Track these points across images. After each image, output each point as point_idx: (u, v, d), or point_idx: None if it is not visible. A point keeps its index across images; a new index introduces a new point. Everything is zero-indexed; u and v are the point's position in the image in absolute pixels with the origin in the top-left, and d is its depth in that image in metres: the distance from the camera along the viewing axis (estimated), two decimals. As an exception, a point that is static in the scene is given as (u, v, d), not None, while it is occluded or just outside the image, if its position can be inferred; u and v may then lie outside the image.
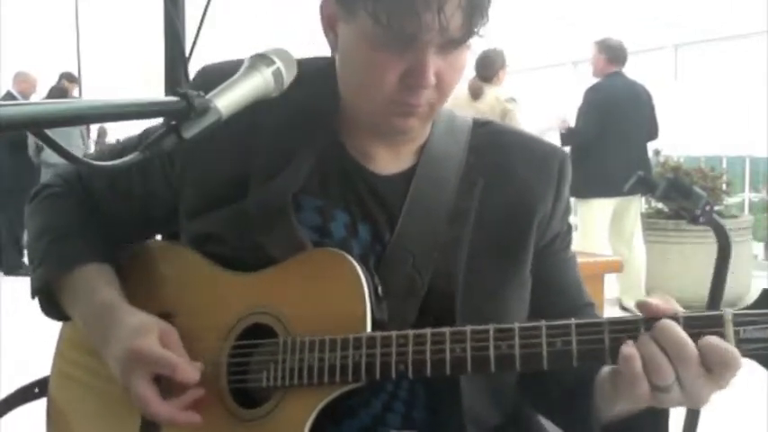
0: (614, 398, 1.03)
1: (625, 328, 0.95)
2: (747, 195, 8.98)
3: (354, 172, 1.18)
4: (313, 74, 1.16)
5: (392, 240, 1.15)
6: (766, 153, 8.39)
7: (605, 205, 5.94)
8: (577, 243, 6.06)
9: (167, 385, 1.11)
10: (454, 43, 1.05)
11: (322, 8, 1.13)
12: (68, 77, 8.82)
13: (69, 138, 7.71)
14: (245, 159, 1.17)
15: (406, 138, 1.16)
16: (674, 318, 0.93)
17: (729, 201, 7.13)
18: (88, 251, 1.24)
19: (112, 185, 1.29)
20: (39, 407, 1.40)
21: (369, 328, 1.05)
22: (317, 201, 1.17)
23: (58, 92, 8.34)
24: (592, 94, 5.95)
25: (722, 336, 0.92)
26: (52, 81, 8.82)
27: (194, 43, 1.84)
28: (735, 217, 6.79)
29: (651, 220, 6.50)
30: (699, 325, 0.93)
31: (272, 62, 1.00)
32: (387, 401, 1.15)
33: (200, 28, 1.80)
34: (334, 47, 1.14)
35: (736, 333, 0.92)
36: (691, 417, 2.23)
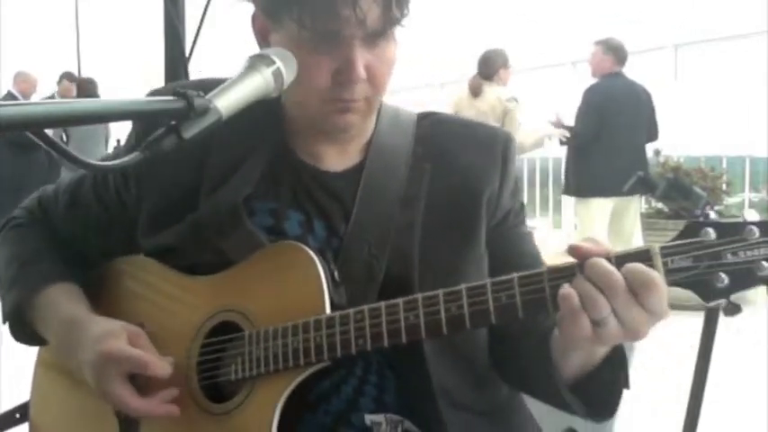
0: (565, 348, 1.08)
1: (563, 275, 1.00)
2: (747, 195, 8.96)
3: (305, 172, 1.23)
4: None
5: (348, 231, 1.19)
6: (766, 153, 8.37)
7: (604, 205, 5.94)
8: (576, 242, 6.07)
9: (142, 387, 1.14)
10: (376, 35, 1.10)
11: (253, 22, 1.18)
12: (69, 77, 8.82)
13: (94, 143, 7.74)
14: (196, 172, 1.21)
15: (348, 135, 1.21)
16: (606, 257, 0.98)
17: (729, 201, 7.12)
18: (54, 272, 1.28)
19: (70, 210, 1.35)
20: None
21: (328, 310, 1.09)
22: (269, 204, 1.21)
23: (86, 85, 8.37)
24: (591, 95, 5.96)
25: (652, 268, 0.96)
26: (52, 81, 8.82)
27: (194, 43, 1.84)
28: (735, 217, 6.78)
29: (651, 220, 6.50)
30: (629, 260, 0.97)
31: (272, 62, 1.00)
32: (357, 386, 1.19)
33: (200, 28, 1.80)
34: None
35: (665, 264, 0.97)
36: (691, 416, 2.23)
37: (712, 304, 0.98)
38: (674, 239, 0.98)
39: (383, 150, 1.25)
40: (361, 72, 1.10)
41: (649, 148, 6.50)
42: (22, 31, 11.00)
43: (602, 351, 1.07)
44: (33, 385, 1.40)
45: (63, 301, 1.26)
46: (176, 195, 1.22)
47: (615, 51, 6.00)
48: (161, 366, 1.13)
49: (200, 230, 1.19)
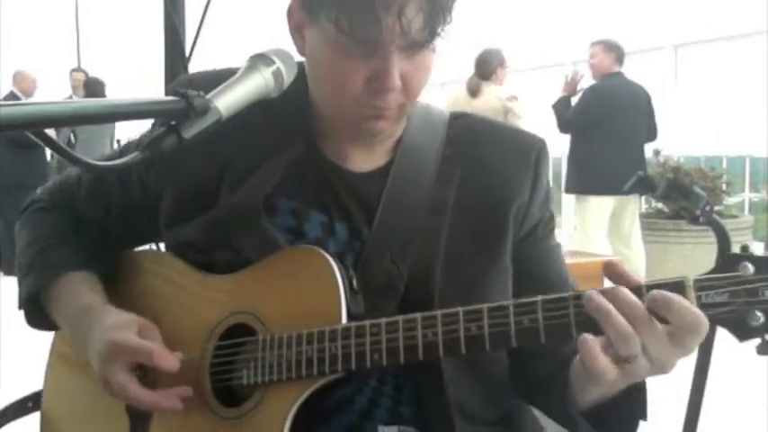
0: (586, 381, 1.04)
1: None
2: (747, 195, 8.97)
3: (330, 172, 1.19)
4: None
5: (370, 236, 1.16)
6: (766, 153, 8.38)
7: (603, 204, 5.94)
8: (577, 242, 6.08)
9: (151, 382, 1.13)
10: (417, 46, 1.06)
11: (289, 14, 1.14)
12: (77, 70, 8.84)
13: (101, 143, 7.75)
14: (219, 166, 1.18)
15: (378, 138, 1.17)
16: (638, 287, 0.94)
17: (729, 201, 7.13)
18: (73, 260, 1.26)
19: (94, 198, 1.33)
20: (33, 420, 1.41)
21: (344, 321, 1.07)
22: (292, 203, 1.18)
23: (94, 82, 8.39)
24: (593, 94, 5.96)
25: None
26: (52, 81, 8.82)
27: (194, 43, 1.84)
28: (735, 217, 6.80)
29: (651, 220, 6.51)
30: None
31: (272, 62, 1.00)
32: (372, 397, 1.17)
33: (200, 28, 1.80)
34: (302, 51, 1.15)
35: (698, 298, 0.92)
36: (691, 416, 2.23)
37: (746, 342, 0.93)
38: (710, 272, 0.93)
39: (412, 152, 1.20)
40: (397, 82, 1.06)
41: (649, 148, 6.50)
42: (23, 31, 11.00)
43: (623, 384, 1.01)
44: (46, 376, 1.39)
45: (80, 290, 1.24)
46: (198, 190, 1.19)
47: (615, 50, 6.01)
48: (167, 357, 1.10)
49: (218, 228, 1.17)
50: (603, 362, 0.94)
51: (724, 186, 6.75)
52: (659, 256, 6.28)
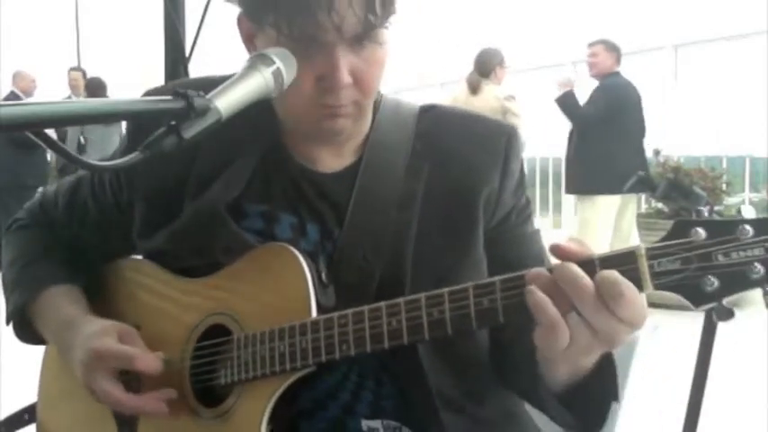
0: (546, 358, 1.03)
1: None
2: (747, 195, 8.96)
3: (299, 174, 1.20)
4: None
5: (341, 235, 1.16)
6: (766, 153, 8.37)
7: (611, 203, 5.94)
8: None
9: (136, 389, 1.15)
10: (357, 39, 1.06)
11: (239, 24, 1.15)
12: (75, 69, 8.84)
13: (108, 141, 7.75)
14: (183, 174, 1.19)
15: (340, 138, 1.17)
16: (590, 260, 0.93)
17: (729, 201, 7.12)
18: (55, 274, 1.29)
19: (70, 215, 1.35)
20: None
21: (314, 313, 1.08)
22: (261, 206, 1.19)
23: (95, 83, 8.40)
24: (603, 91, 5.95)
25: (637, 271, 0.91)
26: (52, 81, 8.82)
27: (194, 43, 1.84)
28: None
29: (651, 220, 6.50)
30: (613, 264, 0.92)
31: (272, 62, 0.99)
32: (354, 392, 1.17)
33: (200, 28, 1.80)
34: None
35: (651, 267, 0.91)
36: (691, 417, 2.23)
37: (702, 309, 0.91)
38: (662, 239, 0.92)
39: (380, 149, 1.21)
40: (346, 77, 1.07)
41: (649, 148, 6.51)
42: (23, 31, 11.00)
43: (587, 361, 1.01)
44: (40, 386, 1.40)
45: (62, 303, 1.26)
46: (164, 199, 1.21)
47: (616, 50, 6.02)
48: (149, 360, 1.11)
49: (183, 236, 1.18)
50: (552, 311, 0.92)
51: (724, 186, 6.74)
52: (659, 256, 6.26)
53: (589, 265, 0.93)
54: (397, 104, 1.26)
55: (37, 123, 0.79)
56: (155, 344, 1.18)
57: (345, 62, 1.06)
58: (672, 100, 9.19)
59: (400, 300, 1.03)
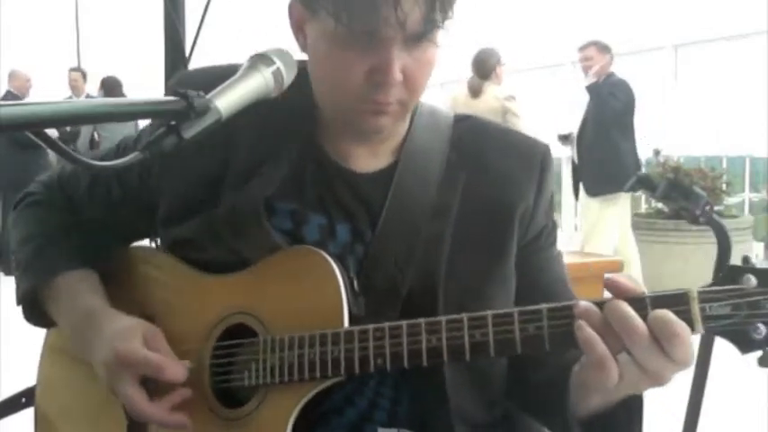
0: (587, 387, 1.03)
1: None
2: (747, 195, 8.97)
3: (333, 172, 1.18)
4: None
5: (374, 239, 1.15)
6: (766, 153, 8.38)
7: (618, 202, 5.96)
8: (593, 245, 6.03)
9: (153, 386, 1.12)
10: (416, 38, 1.05)
11: (290, 10, 1.13)
12: (75, 70, 8.86)
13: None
14: (221, 165, 1.17)
15: (380, 136, 1.16)
16: (641, 298, 0.94)
17: (729, 201, 7.13)
18: (71, 257, 1.25)
19: (91, 192, 1.31)
20: (27, 417, 1.40)
21: (346, 323, 1.06)
22: (290, 205, 1.17)
23: (111, 82, 8.40)
24: (620, 88, 5.97)
25: (688, 313, 0.92)
26: (53, 81, 8.82)
27: (194, 43, 1.84)
28: (735, 217, 6.79)
29: (651, 220, 6.51)
30: (665, 304, 0.93)
31: (272, 62, 0.99)
32: (372, 399, 1.16)
33: (200, 28, 1.80)
34: (304, 48, 1.14)
35: (702, 310, 0.92)
36: (691, 417, 2.23)
37: (747, 354, 0.94)
38: (712, 284, 0.94)
39: (416, 154, 1.19)
40: (398, 75, 1.05)
41: (649, 148, 6.53)
42: (23, 31, 11.01)
43: (621, 393, 1.02)
44: (40, 370, 1.37)
45: (81, 290, 1.23)
46: (198, 188, 1.18)
47: (608, 50, 6.04)
48: (177, 371, 1.10)
49: (217, 227, 1.16)
50: (602, 348, 0.94)
51: (724, 186, 6.75)
52: (659, 257, 6.28)
53: (640, 303, 0.94)
54: (432, 110, 1.25)
55: (37, 123, 0.79)
56: (172, 338, 1.15)
57: (399, 59, 1.04)
58: (672, 100, 9.19)
59: (441, 318, 1.01)
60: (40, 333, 1.37)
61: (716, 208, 2.84)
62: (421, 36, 1.05)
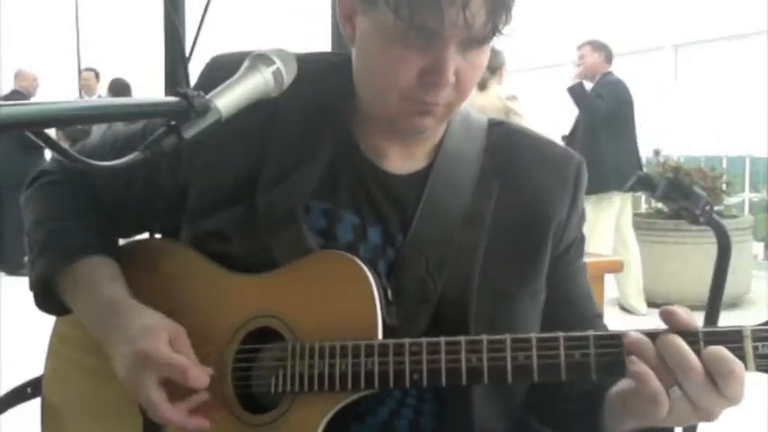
0: (625, 415, 1.02)
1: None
2: (747, 195, 8.97)
3: (367, 171, 1.15)
4: (327, 70, 1.14)
5: (405, 242, 1.12)
6: (766, 153, 8.38)
7: (613, 202, 5.95)
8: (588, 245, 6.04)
9: (173, 387, 1.08)
10: (477, 41, 1.03)
11: (340, 0, 1.10)
12: (87, 70, 8.87)
13: None
14: (256, 158, 1.14)
15: (421, 137, 1.14)
16: (694, 334, 0.93)
17: (729, 201, 7.13)
18: (90, 242, 1.20)
19: (114, 177, 1.25)
20: (33, 407, 1.37)
21: (380, 334, 1.03)
22: (324, 204, 1.14)
23: (119, 84, 8.41)
24: (610, 87, 5.95)
25: (741, 350, 0.92)
26: (53, 81, 8.81)
27: (194, 43, 1.84)
28: (735, 217, 6.79)
29: (651, 220, 6.51)
30: (718, 341, 0.92)
31: (272, 62, 0.99)
32: (395, 408, 1.14)
33: (200, 28, 1.80)
34: (350, 40, 1.11)
35: (755, 348, 0.92)
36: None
37: None
38: (765, 322, 0.93)
39: (451, 158, 1.16)
40: (451, 77, 1.02)
41: (649, 148, 6.53)
42: (22, 31, 11.01)
43: (664, 424, 0.99)
44: (48, 359, 1.32)
45: (102, 278, 1.17)
46: (232, 181, 1.15)
47: (604, 49, 6.03)
48: (200, 377, 1.05)
49: (251, 221, 1.12)
50: (656, 384, 0.92)
51: (724, 186, 6.75)
52: (659, 257, 6.28)
53: (692, 337, 0.93)
54: (467, 114, 1.22)
55: (38, 123, 0.79)
56: (191, 336, 1.11)
57: (453, 61, 1.02)
58: (672, 100, 9.20)
59: (483, 337, 0.99)
60: (42, 321, 1.33)
61: (716, 208, 2.83)
62: (482, 40, 1.03)
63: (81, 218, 1.23)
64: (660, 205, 6.27)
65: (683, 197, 1.91)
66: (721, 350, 0.91)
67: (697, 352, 0.92)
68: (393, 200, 1.15)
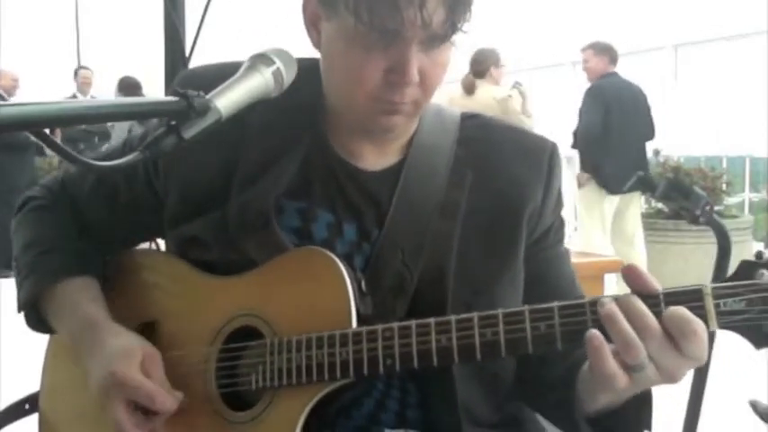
0: (595, 387, 1.03)
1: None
2: (747, 195, 8.98)
3: (340, 170, 1.17)
4: (298, 74, 1.16)
5: (381, 236, 1.14)
6: (766, 153, 8.39)
7: (610, 201, 5.93)
8: (579, 242, 6.07)
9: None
10: (437, 39, 1.04)
11: (304, 6, 1.12)
12: (83, 68, 8.86)
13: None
14: (229, 163, 1.17)
15: (391, 135, 1.16)
16: (655, 294, 0.94)
17: (729, 201, 7.14)
18: (73, 265, 1.24)
19: (97, 192, 1.30)
20: (31, 423, 1.39)
21: (354, 324, 1.05)
22: (299, 203, 1.16)
23: (129, 83, 8.41)
24: (595, 93, 5.94)
25: (702, 309, 0.92)
26: (53, 81, 8.83)
27: (194, 43, 1.84)
28: (735, 217, 6.80)
29: (651, 220, 6.51)
30: (679, 300, 0.93)
31: (272, 62, 0.99)
32: (379, 400, 1.15)
33: (200, 28, 1.80)
34: (317, 45, 1.13)
35: (717, 306, 0.92)
36: (691, 417, 2.23)
37: (762, 349, 0.94)
38: (727, 279, 0.94)
39: (424, 151, 1.18)
40: (415, 75, 1.04)
41: (649, 148, 6.51)
42: (22, 31, 11.01)
43: (631, 392, 1.00)
44: (44, 375, 1.36)
45: (81, 299, 1.21)
46: (207, 187, 1.17)
47: (607, 52, 6.01)
48: (167, 401, 1.09)
49: (226, 226, 1.15)
50: (612, 365, 0.93)
51: (724, 186, 6.76)
52: (659, 257, 6.28)
53: (653, 299, 0.94)
54: (438, 109, 1.24)
55: (38, 123, 0.79)
56: (175, 342, 1.15)
57: (416, 60, 1.04)
58: (672, 100, 9.20)
59: (451, 317, 1.00)
60: (40, 338, 1.36)
61: (716, 208, 2.84)
62: (442, 38, 1.04)
63: (64, 241, 1.28)
64: (660, 205, 6.27)
65: (683, 197, 1.91)
66: (680, 310, 0.91)
67: (658, 314, 0.93)
68: (367, 196, 1.17)
